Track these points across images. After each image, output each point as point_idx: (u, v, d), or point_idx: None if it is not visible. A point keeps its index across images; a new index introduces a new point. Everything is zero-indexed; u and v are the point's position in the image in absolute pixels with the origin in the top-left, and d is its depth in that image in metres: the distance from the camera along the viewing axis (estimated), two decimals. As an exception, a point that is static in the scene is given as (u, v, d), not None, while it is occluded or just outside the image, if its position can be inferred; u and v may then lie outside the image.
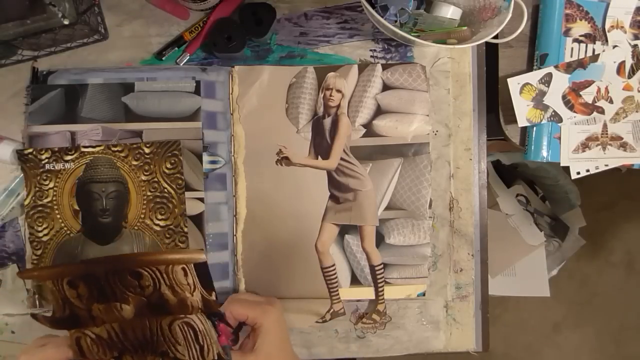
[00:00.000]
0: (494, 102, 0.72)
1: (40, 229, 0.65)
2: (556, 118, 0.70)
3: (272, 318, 0.55)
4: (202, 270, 0.51)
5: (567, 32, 0.70)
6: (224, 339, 0.52)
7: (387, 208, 0.68)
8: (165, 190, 0.65)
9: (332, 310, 0.67)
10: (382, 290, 0.68)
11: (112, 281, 0.50)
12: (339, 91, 0.67)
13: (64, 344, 0.49)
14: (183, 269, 0.50)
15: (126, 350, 0.52)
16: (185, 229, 0.65)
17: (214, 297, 0.51)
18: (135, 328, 0.51)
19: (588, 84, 0.71)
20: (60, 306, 0.50)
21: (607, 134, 0.72)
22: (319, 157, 0.67)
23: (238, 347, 0.56)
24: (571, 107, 0.70)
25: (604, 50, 0.71)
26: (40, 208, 0.65)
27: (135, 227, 0.65)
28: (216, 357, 0.50)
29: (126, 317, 0.50)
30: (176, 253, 0.51)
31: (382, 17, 0.60)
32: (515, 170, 1.33)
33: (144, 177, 0.65)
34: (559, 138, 0.71)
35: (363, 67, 0.68)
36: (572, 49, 0.71)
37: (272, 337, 0.54)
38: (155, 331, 0.51)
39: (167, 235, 0.65)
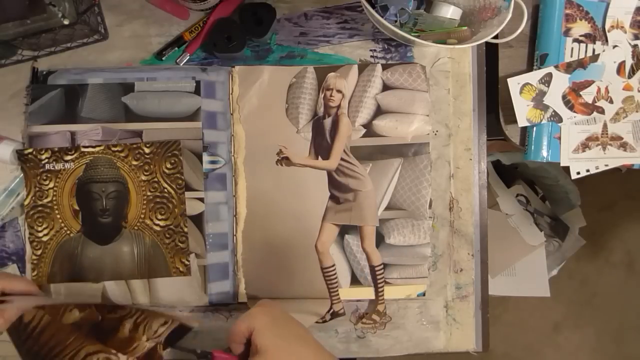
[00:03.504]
0: (494, 102, 0.72)
1: (40, 229, 0.65)
2: (556, 118, 0.70)
3: (260, 315, 0.52)
4: (182, 331, 0.50)
5: (567, 32, 0.70)
6: None
7: (387, 208, 0.68)
8: (165, 190, 0.65)
9: (332, 310, 0.67)
10: (382, 290, 0.68)
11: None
12: (339, 91, 0.67)
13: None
14: (166, 320, 0.49)
15: (22, 346, 0.49)
16: (185, 229, 0.65)
17: (161, 353, 0.50)
18: (55, 336, 0.48)
19: (588, 84, 0.71)
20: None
21: (607, 134, 0.72)
22: (319, 157, 0.67)
23: None
24: (571, 107, 0.70)
25: (604, 50, 0.71)
26: (40, 208, 0.65)
27: (135, 227, 0.65)
28: None
29: (64, 320, 0.48)
30: (173, 316, 0.50)
31: (382, 17, 0.60)
32: (515, 170, 1.33)
33: (144, 177, 0.65)
34: (559, 138, 0.71)
35: (363, 67, 0.68)
36: (572, 49, 0.71)
37: (269, 333, 0.51)
38: (66, 353, 0.47)
39: (167, 235, 0.65)
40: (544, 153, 0.71)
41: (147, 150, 0.65)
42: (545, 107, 0.70)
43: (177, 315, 0.49)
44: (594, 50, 0.71)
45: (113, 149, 0.65)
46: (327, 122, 0.68)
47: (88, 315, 0.49)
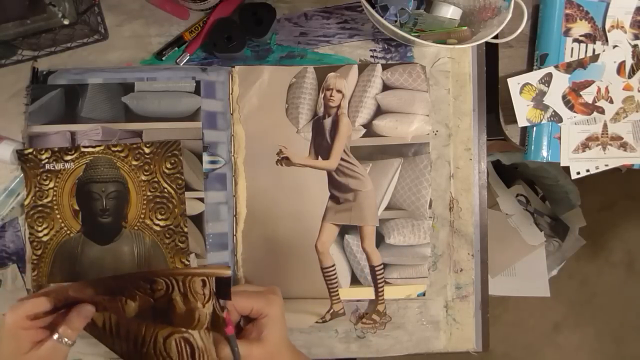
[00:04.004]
0: (494, 102, 0.72)
1: (40, 229, 0.65)
2: (556, 118, 0.70)
3: (277, 307, 0.54)
4: (224, 283, 0.49)
5: (567, 32, 0.70)
6: (230, 328, 0.51)
7: (387, 208, 0.68)
8: (165, 190, 0.65)
9: (332, 310, 0.67)
10: (382, 290, 0.68)
11: (122, 284, 0.50)
12: (339, 91, 0.67)
13: (42, 296, 0.50)
14: (203, 280, 0.48)
15: (114, 347, 0.51)
16: (185, 229, 0.65)
17: (224, 315, 0.50)
18: (130, 330, 0.50)
19: (588, 84, 0.71)
20: (59, 298, 0.50)
21: (607, 134, 0.72)
22: (319, 157, 0.67)
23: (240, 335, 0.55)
24: (571, 107, 0.70)
25: (604, 50, 0.71)
26: (40, 208, 0.65)
27: (135, 227, 0.65)
28: None
29: (127, 314, 0.49)
30: (201, 269, 0.50)
31: (382, 17, 0.60)
32: (515, 170, 1.33)
33: (144, 177, 0.65)
34: (559, 138, 0.71)
35: (363, 67, 0.68)
36: (572, 49, 0.71)
37: (278, 326, 0.53)
38: (147, 342, 0.49)
39: (167, 235, 0.65)
40: (544, 153, 0.71)
41: (147, 150, 0.65)
42: (545, 107, 0.70)
43: (205, 270, 0.49)
44: (594, 50, 0.71)
45: (113, 149, 0.65)
46: (327, 122, 0.68)
47: (142, 302, 0.49)
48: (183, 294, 0.48)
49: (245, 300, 0.53)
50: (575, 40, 0.71)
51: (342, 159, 0.67)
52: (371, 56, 0.69)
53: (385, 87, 0.68)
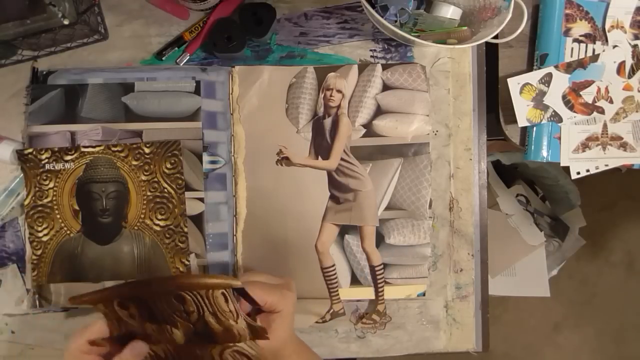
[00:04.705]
0: (494, 102, 0.72)
1: (40, 229, 0.65)
2: (556, 118, 0.70)
3: (290, 304, 0.54)
4: (242, 292, 0.50)
5: (567, 32, 0.70)
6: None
7: (387, 208, 0.68)
8: (165, 190, 0.65)
9: (332, 310, 0.67)
10: (382, 290, 0.68)
11: (158, 303, 0.50)
12: (339, 91, 0.67)
13: (99, 321, 0.50)
14: (223, 294, 0.49)
15: None
16: (185, 229, 0.65)
17: (259, 323, 0.50)
18: (189, 354, 0.51)
19: (588, 84, 0.71)
20: (115, 326, 0.51)
21: (607, 134, 0.72)
22: (319, 157, 0.67)
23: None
24: (571, 107, 0.70)
25: (604, 50, 0.71)
26: (40, 208, 0.65)
27: (135, 227, 0.65)
28: None
29: (177, 341, 0.50)
30: (210, 278, 0.50)
31: (382, 17, 0.60)
32: (515, 170, 1.33)
33: (144, 177, 0.65)
34: (559, 138, 0.71)
35: (363, 67, 0.68)
36: (572, 49, 0.71)
37: (288, 322, 0.53)
38: None
39: (167, 235, 0.65)
40: (544, 153, 0.71)
41: (147, 150, 0.65)
42: (545, 107, 0.70)
43: (218, 281, 0.49)
44: (594, 50, 0.71)
45: (113, 149, 0.65)
46: (327, 122, 0.68)
47: (185, 329, 0.49)
48: (213, 313, 0.48)
49: (260, 292, 0.52)
50: (575, 40, 0.71)
51: (342, 159, 0.67)
52: (371, 56, 0.69)
53: (385, 87, 0.68)
